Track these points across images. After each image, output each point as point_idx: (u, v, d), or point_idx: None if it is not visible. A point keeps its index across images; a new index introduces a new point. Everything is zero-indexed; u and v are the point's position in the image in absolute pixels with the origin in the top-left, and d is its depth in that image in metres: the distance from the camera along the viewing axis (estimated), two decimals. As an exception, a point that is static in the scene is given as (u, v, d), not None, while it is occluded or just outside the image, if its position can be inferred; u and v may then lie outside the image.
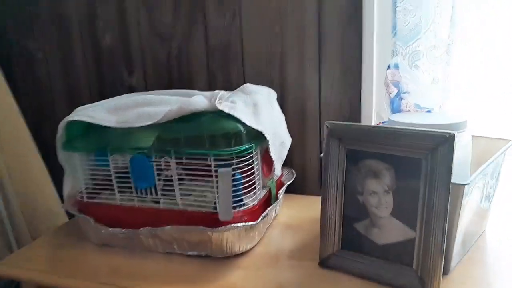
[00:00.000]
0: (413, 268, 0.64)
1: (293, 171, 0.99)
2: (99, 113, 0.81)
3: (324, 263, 0.73)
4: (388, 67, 0.82)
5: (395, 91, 0.81)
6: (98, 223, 0.84)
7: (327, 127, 0.70)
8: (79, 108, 0.86)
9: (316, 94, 1.04)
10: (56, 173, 1.39)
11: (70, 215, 1.30)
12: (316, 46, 1.01)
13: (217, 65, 1.12)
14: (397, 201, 0.65)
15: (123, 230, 0.82)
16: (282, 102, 1.04)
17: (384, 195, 0.66)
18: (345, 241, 0.71)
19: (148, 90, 1.20)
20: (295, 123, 1.07)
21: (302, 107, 1.06)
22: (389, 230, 0.66)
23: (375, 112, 0.99)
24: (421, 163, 0.62)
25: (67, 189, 0.89)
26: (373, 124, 0.97)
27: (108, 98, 1.06)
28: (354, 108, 1.01)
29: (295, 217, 0.93)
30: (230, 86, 1.12)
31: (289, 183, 0.94)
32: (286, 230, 0.88)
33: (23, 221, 1.29)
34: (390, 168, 0.65)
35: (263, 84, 1.07)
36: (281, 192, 0.89)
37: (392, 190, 0.65)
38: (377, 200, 0.67)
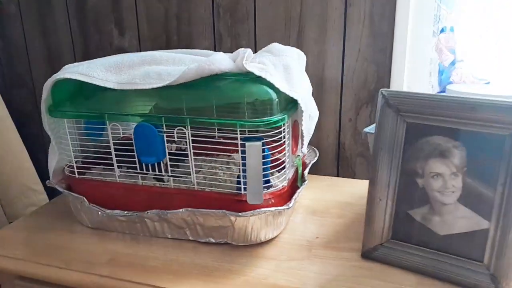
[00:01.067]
0: (483, 263, 0.55)
1: (315, 148, 0.88)
2: (95, 70, 0.66)
3: (368, 254, 0.63)
4: (442, 31, 0.70)
5: (450, 58, 0.70)
6: (92, 204, 0.70)
7: (383, 95, 0.58)
8: (68, 65, 0.70)
9: (338, 62, 0.92)
10: (33, 144, 1.23)
11: (51, 193, 1.15)
12: (341, 5, 0.88)
13: (224, 25, 0.98)
14: (467, 185, 0.55)
15: (126, 212, 0.69)
16: (300, 69, 0.91)
17: (451, 178, 0.56)
18: (397, 230, 0.61)
19: (143, 52, 1.05)
20: (313, 94, 0.95)
21: (322, 76, 0.94)
22: (455, 219, 0.56)
23: (406, 86, 0.88)
24: (504, 141, 0.51)
25: (53, 162, 0.74)
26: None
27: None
28: (381, 79, 0.90)
29: (318, 200, 0.82)
30: (239, 50, 0.98)
31: (313, 162, 0.83)
32: (312, 215, 0.77)
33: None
34: (461, 146, 0.54)
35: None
36: (306, 172, 0.77)
37: (461, 172, 0.55)
38: (442, 184, 0.56)
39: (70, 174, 0.73)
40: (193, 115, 0.71)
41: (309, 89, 0.77)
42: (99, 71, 0.66)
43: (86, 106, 0.73)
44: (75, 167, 0.72)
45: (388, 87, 0.89)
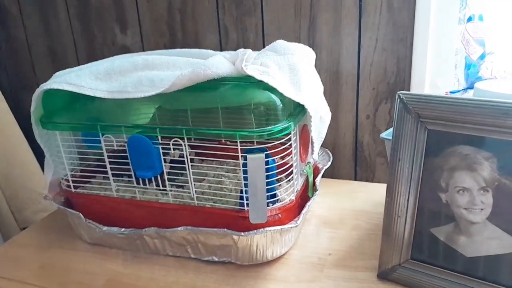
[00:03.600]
0: (518, 292, 0.48)
1: (329, 151, 0.81)
2: (84, 79, 0.61)
3: (385, 275, 0.56)
4: (469, 19, 0.62)
5: (479, 51, 0.61)
6: (90, 220, 0.66)
7: (401, 98, 0.51)
8: (58, 73, 0.66)
9: (354, 53, 0.84)
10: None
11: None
12: (357, -8, 0.80)
13: (229, 19, 0.91)
14: (499, 202, 0.47)
15: (123, 229, 0.65)
16: (312, 64, 0.84)
17: (479, 193, 0.48)
18: (417, 249, 0.54)
19: (145, 51, 1.00)
20: (327, 90, 0.88)
21: (337, 69, 0.87)
22: (484, 240, 0.49)
23: (430, 79, 0.79)
24: (544, 152, 0.44)
25: (48, 175, 0.70)
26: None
27: (99, 60, 0.86)
28: (402, 72, 0.82)
29: (332, 208, 0.76)
30: (247, 44, 0.92)
31: (326, 167, 0.76)
32: (325, 227, 0.71)
33: (6, 205, 1.11)
34: (492, 158, 0.47)
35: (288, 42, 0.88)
36: (318, 179, 0.71)
37: (491, 188, 0.48)
38: (469, 200, 0.49)
39: (67, 188, 0.70)
40: (198, 117, 0.66)
41: (320, 88, 0.70)
42: (88, 80, 0.61)
43: (83, 114, 0.69)
44: (70, 181, 0.68)
45: (409, 80, 0.81)
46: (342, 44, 0.84)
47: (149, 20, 0.97)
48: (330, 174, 0.91)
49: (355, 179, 0.93)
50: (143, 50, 1.01)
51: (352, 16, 0.82)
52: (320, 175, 0.73)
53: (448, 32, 0.73)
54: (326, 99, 0.87)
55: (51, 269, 0.65)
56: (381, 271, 0.57)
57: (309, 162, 0.68)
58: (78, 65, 1.05)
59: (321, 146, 0.84)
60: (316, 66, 0.87)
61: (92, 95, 0.60)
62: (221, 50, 0.94)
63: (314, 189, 0.68)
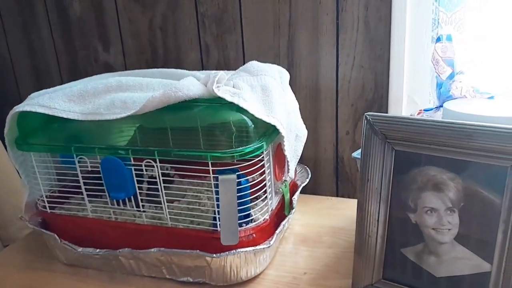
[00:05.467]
0: (487, 312, 0.48)
1: (307, 168, 0.81)
2: (57, 101, 0.61)
3: (358, 296, 0.56)
4: (438, 40, 0.63)
5: (448, 71, 0.62)
6: (65, 241, 0.66)
7: (367, 120, 0.51)
8: (33, 94, 0.66)
9: (332, 70, 0.85)
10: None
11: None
12: (333, 9, 0.81)
13: (210, 36, 0.92)
14: (465, 223, 0.48)
15: (98, 250, 0.64)
16: (290, 81, 0.84)
17: (446, 214, 0.49)
18: (389, 269, 0.54)
19: (127, 69, 1.01)
20: (307, 107, 0.88)
21: (316, 86, 0.87)
22: (452, 260, 0.49)
23: (407, 95, 0.80)
24: (506, 173, 0.44)
25: (24, 196, 0.70)
26: (404, 113, 0.79)
27: (82, 77, 0.86)
28: (380, 88, 0.83)
29: (310, 225, 0.76)
30: (228, 61, 0.92)
31: (304, 184, 0.76)
32: (302, 245, 0.71)
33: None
34: (457, 178, 0.47)
35: (267, 59, 0.88)
36: (296, 197, 0.71)
37: (458, 208, 0.48)
38: (437, 220, 0.49)
39: (42, 209, 0.69)
40: (179, 136, 0.67)
41: (295, 107, 0.71)
42: (62, 102, 0.61)
43: (60, 134, 0.69)
44: (46, 202, 0.68)
45: (387, 96, 0.82)
46: (321, 61, 0.85)
47: (131, 38, 0.98)
48: (311, 189, 0.92)
49: (337, 194, 0.93)
50: (126, 67, 1.01)
51: (329, 34, 0.83)
52: (298, 192, 0.73)
53: (423, 50, 0.74)
54: (306, 115, 0.88)
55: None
56: (354, 291, 0.57)
57: (285, 180, 0.68)
58: (62, 82, 1.06)
59: (302, 162, 0.84)
60: (295, 82, 0.88)
61: (65, 116, 0.60)
62: (202, 67, 0.94)
63: (291, 207, 0.68)
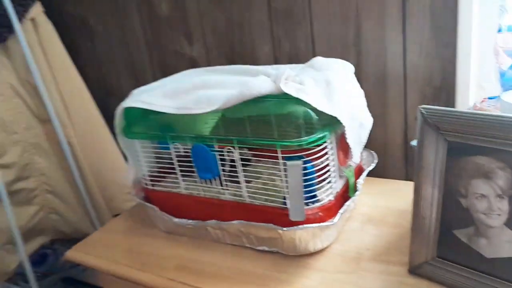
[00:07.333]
0: (533, 291, 0.51)
1: (374, 153, 0.87)
2: (156, 98, 0.74)
3: (415, 271, 0.62)
4: (499, 30, 0.64)
5: (508, 61, 0.63)
6: (163, 212, 0.80)
7: (422, 113, 0.56)
8: (135, 91, 0.79)
9: (400, 58, 0.88)
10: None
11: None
12: (399, -1, 0.84)
13: (281, 29, 0.99)
14: (515, 209, 0.51)
15: (189, 220, 0.77)
16: (358, 70, 0.89)
17: (496, 200, 0.53)
18: (442, 248, 0.59)
19: (209, 61, 1.12)
20: (374, 95, 0.93)
21: (383, 74, 0.91)
22: (501, 243, 0.53)
23: (476, 82, 0.81)
24: (553, 164, 0.47)
25: (131, 176, 0.85)
26: (471, 100, 0.80)
27: (170, 69, 0.98)
28: (447, 75, 0.84)
29: (377, 207, 0.82)
30: (298, 53, 0.99)
31: (370, 169, 0.82)
32: (368, 224, 0.77)
33: (100, 196, 1.31)
34: (506, 168, 0.51)
35: (336, 49, 0.94)
36: (361, 180, 0.77)
37: (507, 195, 0.52)
38: (487, 206, 0.53)
39: (145, 186, 0.84)
40: (255, 124, 0.76)
41: (360, 96, 0.76)
42: (159, 98, 0.74)
43: (155, 127, 0.81)
44: (147, 180, 0.82)
45: (454, 84, 0.84)
46: (387, 49, 0.88)
47: (211, 34, 1.09)
48: (381, 173, 0.96)
49: (406, 178, 0.97)
50: (208, 60, 1.13)
51: (395, 22, 0.86)
52: (364, 175, 0.80)
53: (490, 38, 0.75)
54: (375, 101, 0.92)
55: (135, 252, 0.80)
56: (411, 267, 0.63)
57: (350, 165, 0.75)
58: (154, 75, 1.21)
59: (372, 147, 0.90)
60: (363, 70, 0.93)
61: (161, 111, 0.73)
62: (275, 59, 1.02)
63: (355, 189, 0.75)
